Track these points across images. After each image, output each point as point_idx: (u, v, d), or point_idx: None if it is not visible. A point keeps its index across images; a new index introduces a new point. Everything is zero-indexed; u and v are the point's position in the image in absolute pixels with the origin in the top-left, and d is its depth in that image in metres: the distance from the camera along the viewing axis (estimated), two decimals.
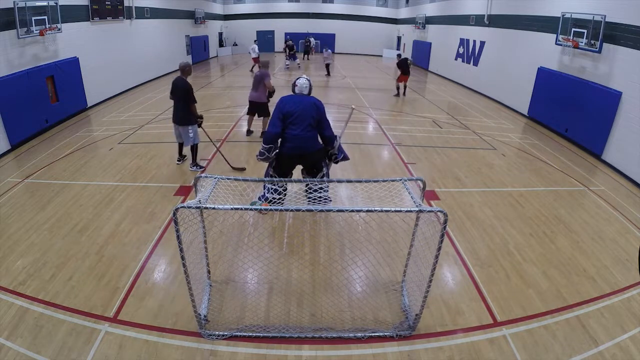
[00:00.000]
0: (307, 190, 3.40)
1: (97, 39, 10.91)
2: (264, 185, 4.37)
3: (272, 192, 3.96)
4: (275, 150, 4.51)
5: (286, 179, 4.28)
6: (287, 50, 19.48)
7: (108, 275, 3.77)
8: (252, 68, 16.88)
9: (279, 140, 4.53)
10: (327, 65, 16.87)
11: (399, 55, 13.59)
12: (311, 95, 4.74)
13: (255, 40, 17.63)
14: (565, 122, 8.99)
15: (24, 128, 7.65)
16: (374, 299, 3.53)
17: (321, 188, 3.35)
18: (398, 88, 13.03)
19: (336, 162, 4.91)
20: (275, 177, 4.54)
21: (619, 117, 7.26)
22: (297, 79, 4.71)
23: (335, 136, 4.72)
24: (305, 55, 22.86)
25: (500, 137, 8.83)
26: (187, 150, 6.45)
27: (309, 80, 4.73)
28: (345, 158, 4.92)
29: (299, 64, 19.43)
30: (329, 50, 17.20)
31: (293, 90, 4.71)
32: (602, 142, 7.62)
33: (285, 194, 3.97)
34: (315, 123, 4.50)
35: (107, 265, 3.93)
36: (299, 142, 4.46)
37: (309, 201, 3.38)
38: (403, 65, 12.46)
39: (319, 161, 4.74)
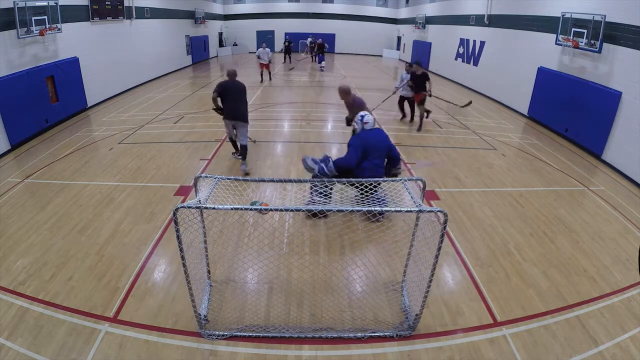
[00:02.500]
0: (362, 193, 3.60)
1: (97, 39, 10.91)
2: (311, 192, 4.60)
3: (319, 195, 4.23)
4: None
5: (289, 179, 4.30)
6: (312, 50, 19.49)
7: (108, 275, 3.77)
8: (262, 74, 14.93)
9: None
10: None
11: (417, 64, 9.10)
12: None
13: (264, 44, 15.23)
14: (565, 122, 8.99)
15: (24, 128, 7.65)
16: (374, 299, 3.53)
17: (376, 190, 3.54)
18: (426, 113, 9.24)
19: (396, 176, 5.05)
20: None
21: (619, 117, 7.26)
22: (362, 116, 4.79)
23: (400, 159, 5.06)
24: (313, 56, 22.65)
25: (500, 137, 8.82)
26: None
27: (371, 115, 4.98)
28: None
29: (323, 66, 19.01)
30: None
31: (362, 129, 4.78)
32: (602, 142, 7.62)
33: (331, 196, 4.34)
34: (388, 151, 4.85)
35: (107, 265, 3.93)
36: (376, 173, 4.66)
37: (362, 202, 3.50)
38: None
39: None
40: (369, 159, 4.67)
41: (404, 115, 9.85)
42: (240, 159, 6.44)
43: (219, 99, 6.04)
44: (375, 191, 3.58)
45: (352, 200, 4.41)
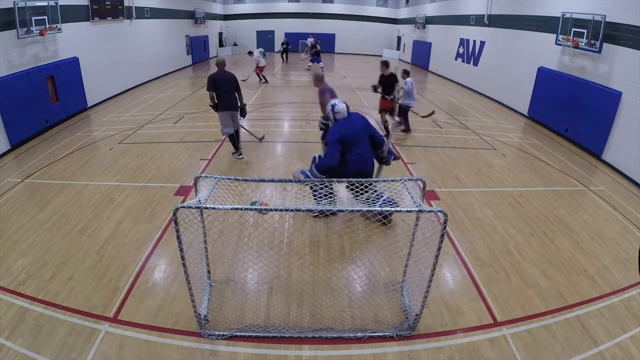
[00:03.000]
0: (355, 193, 3.47)
1: (97, 39, 10.91)
2: (314, 196, 4.42)
3: (323, 198, 4.13)
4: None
5: (289, 180, 4.30)
6: (309, 50, 19.07)
7: (108, 275, 3.77)
8: (262, 79, 14.61)
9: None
10: None
11: (383, 64, 8.05)
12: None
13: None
14: (565, 122, 8.99)
15: (24, 128, 7.65)
16: (374, 299, 3.53)
17: (370, 188, 3.45)
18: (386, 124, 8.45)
19: (388, 164, 4.90)
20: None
21: (619, 117, 7.26)
22: (333, 106, 4.49)
23: (384, 139, 4.74)
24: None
25: (500, 137, 8.82)
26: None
27: (345, 103, 4.59)
28: (396, 157, 4.92)
29: (322, 66, 18.34)
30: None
31: (334, 119, 4.52)
32: (602, 142, 7.62)
33: (335, 195, 4.16)
34: (370, 136, 4.52)
35: (107, 265, 3.93)
36: (364, 163, 4.47)
37: (362, 202, 3.46)
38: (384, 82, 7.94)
39: (370, 175, 4.73)
40: (352, 150, 4.34)
41: (409, 129, 8.74)
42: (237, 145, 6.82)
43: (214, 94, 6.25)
44: (367, 191, 3.51)
45: (351, 201, 4.40)
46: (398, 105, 8.18)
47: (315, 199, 4.39)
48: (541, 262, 4.23)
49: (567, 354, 3.03)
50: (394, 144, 7.76)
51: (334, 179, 3.45)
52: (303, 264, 3.96)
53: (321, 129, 6.10)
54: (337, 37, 28.50)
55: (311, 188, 4.36)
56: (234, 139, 6.73)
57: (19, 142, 7.46)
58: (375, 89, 8.04)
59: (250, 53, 14.68)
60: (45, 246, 4.22)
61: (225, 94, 6.28)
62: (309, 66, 18.99)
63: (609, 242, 4.71)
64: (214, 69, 6.49)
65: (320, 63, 18.77)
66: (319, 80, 6.29)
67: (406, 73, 8.32)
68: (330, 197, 4.21)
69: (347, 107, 4.55)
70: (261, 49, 14.76)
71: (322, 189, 4.00)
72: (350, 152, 4.35)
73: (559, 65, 9.50)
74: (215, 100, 6.29)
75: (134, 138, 7.95)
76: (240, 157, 6.81)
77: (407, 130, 8.69)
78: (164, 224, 4.72)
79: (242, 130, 6.91)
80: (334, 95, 5.97)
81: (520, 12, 11.45)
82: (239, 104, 6.45)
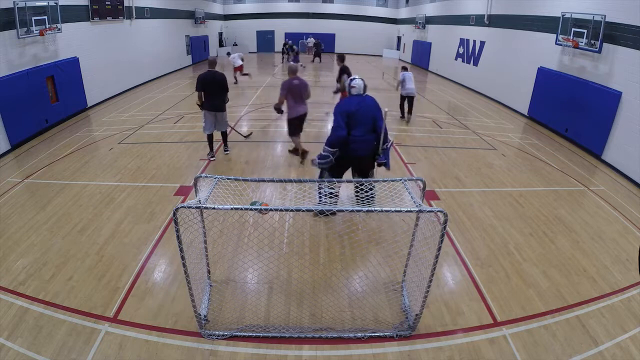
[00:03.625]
0: (356, 191, 3.52)
1: (97, 39, 10.92)
2: (319, 195, 4.39)
3: (327, 196, 4.07)
4: (338, 154, 4.43)
5: (289, 179, 4.29)
6: (288, 50, 19.48)
7: (108, 275, 3.77)
8: (236, 78, 14.10)
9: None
10: None
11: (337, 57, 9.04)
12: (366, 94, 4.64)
13: (235, 44, 14.97)
14: (565, 122, 8.99)
15: (24, 128, 7.65)
16: (374, 299, 3.53)
17: (371, 188, 3.45)
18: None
19: (379, 165, 4.76)
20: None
21: (619, 117, 7.26)
22: (352, 80, 4.57)
23: (387, 132, 4.62)
24: (317, 58, 22.58)
25: (500, 137, 8.82)
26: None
27: (363, 80, 4.63)
28: (387, 164, 4.69)
29: (301, 65, 18.88)
30: None
31: (349, 92, 4.58)
32: (602, 142, 7.62)
33: (338, 195, 4.10)
34: (374, 122, 4.48)
35: (107, 265, 3.93)
36: (364, 144, 4.45)
37: (358, 200, 3.47)
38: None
39: (372, 163, 4.71)
40: (353, 129, 4.36)
41: (403, 116, 9.92)
42: (224, 146, 6.97)
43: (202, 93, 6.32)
44: (370, 189, 3.50)
45: (352, 201, 4.39)
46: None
47: (319, 199, 4.38)
48: (541, 262, 4.23)
49: (567, 354, 3.03)
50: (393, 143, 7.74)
51: (335, 179, 3.45)
52: (303, 264, 3.97)
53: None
54: (337, 37, 28.52)
55: (318, 189, 4.36)
56: (212, 140, 6.75)
57: (19, 142, 7.46)
58: (338, 80, 8.92)
59: (229, 54, 15.51)
60: (45, 246, 4.22)
61: (212, 95, 6.30)
62: (303, 65, 19.24)
63: (609, 242, 4.71)
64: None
65: (299, 63, 19.01)
66: (288, 71, 6.49)
67: (403, 68, 9.75)
68: (335, 198, 4.20)
69: (365, 86, 4.57)
70: (240, 54, 14.55)
71: (327, 189, 3.99)
72: (351, 129, 4.37)
73: (559, 65, 9.50)
74: (203, 99, 6.34)
75: (134, 138, 7.95)
76: (227, 151, 7.01)
77: (402, 117, 9.86)
78: (164, 224, 4.72)
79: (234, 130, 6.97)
80: (292, 91, 6.22)
81: (520, 12, 11.45)
82: (224, 105, 6.52)
